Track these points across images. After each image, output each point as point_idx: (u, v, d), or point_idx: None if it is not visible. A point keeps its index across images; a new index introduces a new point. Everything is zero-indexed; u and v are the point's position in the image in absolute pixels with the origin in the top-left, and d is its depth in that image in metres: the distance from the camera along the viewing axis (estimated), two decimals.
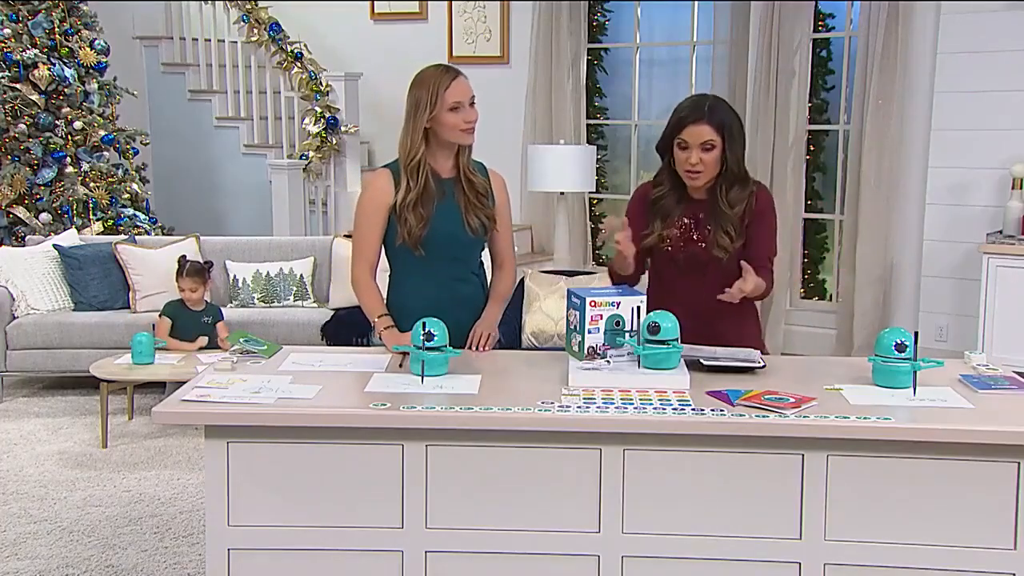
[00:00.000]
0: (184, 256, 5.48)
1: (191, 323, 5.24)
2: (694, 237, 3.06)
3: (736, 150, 3.00)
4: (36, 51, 6.49)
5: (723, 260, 3.01)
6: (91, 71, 6.75)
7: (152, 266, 5.87)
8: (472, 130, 3.00)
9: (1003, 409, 2.46)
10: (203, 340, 5.16)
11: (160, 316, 5.28)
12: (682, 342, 2.66)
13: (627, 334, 2.64)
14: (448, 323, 2.72)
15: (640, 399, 2.47)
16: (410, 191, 2.98)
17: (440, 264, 3.06)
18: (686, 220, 3.07)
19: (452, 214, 3.04)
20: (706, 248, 3.04)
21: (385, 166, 3.10)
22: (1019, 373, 2.78)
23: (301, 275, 6.02)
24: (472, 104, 3.00)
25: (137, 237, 6.33)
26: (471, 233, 3.06)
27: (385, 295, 3.15)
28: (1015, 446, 2.34)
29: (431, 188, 3.00)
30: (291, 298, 5.99)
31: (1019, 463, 2.35)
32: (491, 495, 2.45)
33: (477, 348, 3.02)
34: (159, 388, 5.54)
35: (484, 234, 3.11)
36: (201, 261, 5.58)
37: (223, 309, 5.57)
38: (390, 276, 3.16)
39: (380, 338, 3.02)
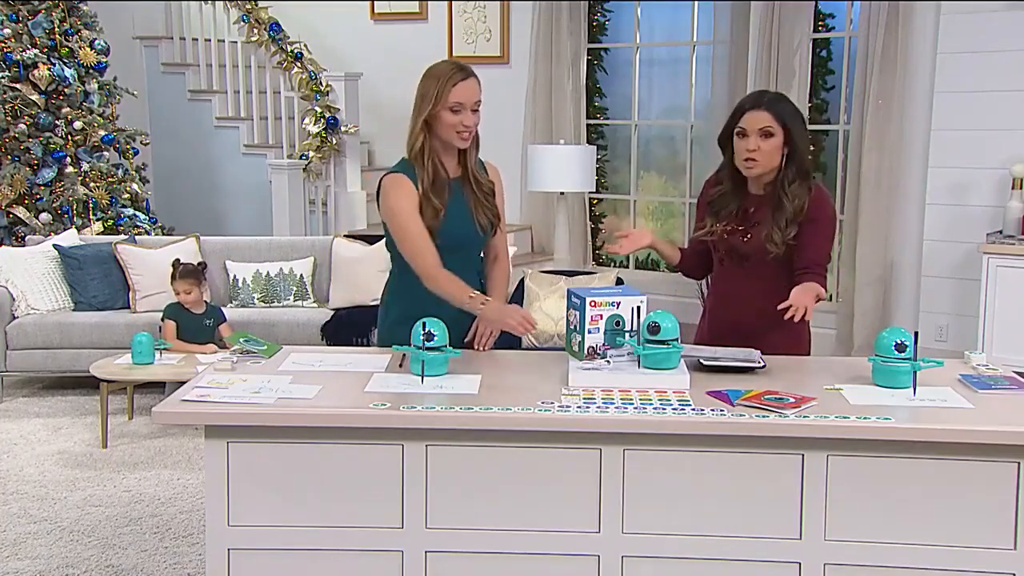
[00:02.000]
0: (178, 259, 5.47)
1: (192, 325, 5.24)
2: (739, 229, 3.06)
3: (801, 143, 2.99)
4: (36, 51, 6.48)
5: (764, 256, 3.00)
6: (91, 71, 6.75)
7: (152, 266, 5.87)
8: (467, 136, 2.96)
9: (1003, 409, 2.46)
10: (212, 347, 5.15)
11: (164, 320, 5.28)
12: (711, 332, 2.63)
13: (627, 334, 2.64)
14: (450, 322, 2.72)
15: (640, 399, 2.47)
16: (421, 181, 2.97)
17: (446, 262, 3.04)
18: (736, 213, 3.08)
19: (462, 212, 3.03)
20: (747, 242, 3.04)
21: (393, 171, 3.04)
22: (1019, 373, 2.78)
23: (301, 275, 6.02)
24: (475, 110, 2.96)
25: (137, 237, 6.32)
26: (480, 231, 3.07)
27: (385, 295, 3.15)
28: (1015, 446, 2.34)
29: (441, 178, 2.99)
30: (291, 298, 5.99)
31: (1019, 463, 2.35)
32: (491, 495, 2.45)
33: (479, 347, 3.01)
34: (159, 388, 5.54)
35: (490, 232, 3.11)
36: (195, 263, 5.58)
37: (223, 309, 5.57)
38: (391, 275, 3.15)
39: (478, 313, 2.95)
